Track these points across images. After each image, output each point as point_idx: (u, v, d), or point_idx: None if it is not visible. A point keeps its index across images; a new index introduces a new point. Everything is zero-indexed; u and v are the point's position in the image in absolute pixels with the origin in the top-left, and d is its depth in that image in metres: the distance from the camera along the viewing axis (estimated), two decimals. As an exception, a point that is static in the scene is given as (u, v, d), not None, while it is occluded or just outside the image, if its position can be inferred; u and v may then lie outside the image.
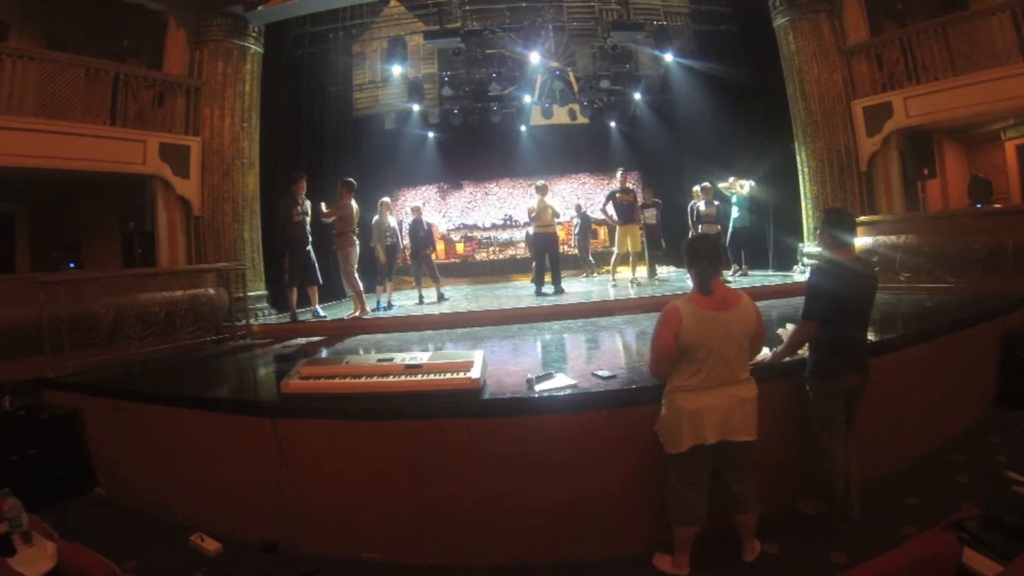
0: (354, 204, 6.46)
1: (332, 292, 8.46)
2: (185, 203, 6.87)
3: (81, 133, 6.00)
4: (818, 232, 3.04)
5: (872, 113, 7.03)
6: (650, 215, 8.64)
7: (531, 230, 8.28)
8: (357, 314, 6.46)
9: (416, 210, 7.95)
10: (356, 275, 6.51)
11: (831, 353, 2.84)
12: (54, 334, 4.52)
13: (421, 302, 7.78)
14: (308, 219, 6.45)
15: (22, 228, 7.59)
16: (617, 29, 8.39)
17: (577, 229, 11.12)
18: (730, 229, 8.20)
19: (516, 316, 6.20)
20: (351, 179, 6.60)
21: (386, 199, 7.62)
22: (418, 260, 7.92)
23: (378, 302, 7.32)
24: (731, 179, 8.19)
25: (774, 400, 2.92)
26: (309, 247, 6.44)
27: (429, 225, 8.20)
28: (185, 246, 6.92)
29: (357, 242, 6.54)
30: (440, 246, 12.10)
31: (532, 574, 2.84)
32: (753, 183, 8.12)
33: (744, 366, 2.57)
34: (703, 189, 8.07)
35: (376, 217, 7.40)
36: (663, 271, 9.05)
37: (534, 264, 8.22)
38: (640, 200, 8.67)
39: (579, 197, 12.06)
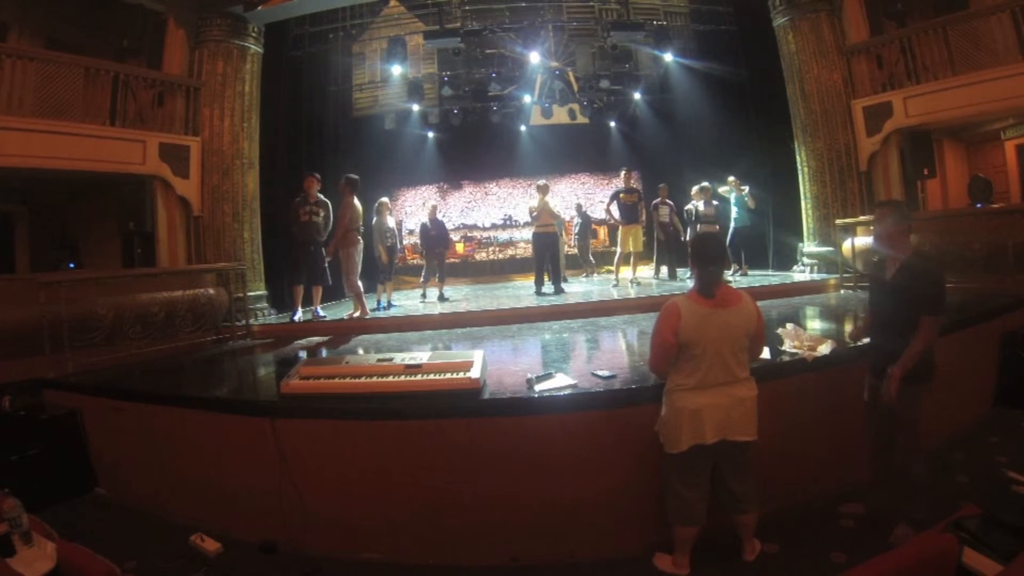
0: (357, 203, 6.37)
1: (332, 292, 8.44)
2: (185, 203, 6.87)
3: (81, 133, 5.99)
4: (887, 229, 2.74)
5: (872, 113, 7.03)
6: (664, 213, 8.61)
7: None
8: (357, 315, 6.45)
9: (433, 208, 8.01)
10: (358, 276, 6.47)
11: (931, 352, 2.68)
12: (54, 334, 4.51)
13: (424, 299, 7.83)
14: (320, 219, 6.35)
15: (22, 228, 7.60)
16: (617, 29, 8.39)
17: (577, 229, 11.13)
18: (730, 229, 8.20)
19: (516, 316, 6.20)
20: (354, 176, 6.47)
21: (385, 199, 7.63)
22: (432, 257, 7.93)
23: (378, 302, 7.33)
24: (731, 179, 8.19)
25: (775, 400, 2.91)
26: (314, 248, 6.33)
27: (442, 223, 8.24)
28: (185, 246, 6.91)
29: (361, 241, 6.44)
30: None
31: (532, 574, 2.84)
32: (747, 188, 8.11)
33: (743, 366, 2.57)
34: (702, 190, 8.07)
35: (375, 218, 7.40)
36: (663, 271, 9.02)
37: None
38: (658, 197, 8.70)
39: (579, 197, 12.08)
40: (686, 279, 8.06)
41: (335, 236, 6.27)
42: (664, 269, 8.85)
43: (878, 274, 2.89)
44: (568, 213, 11.44)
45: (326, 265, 6.45)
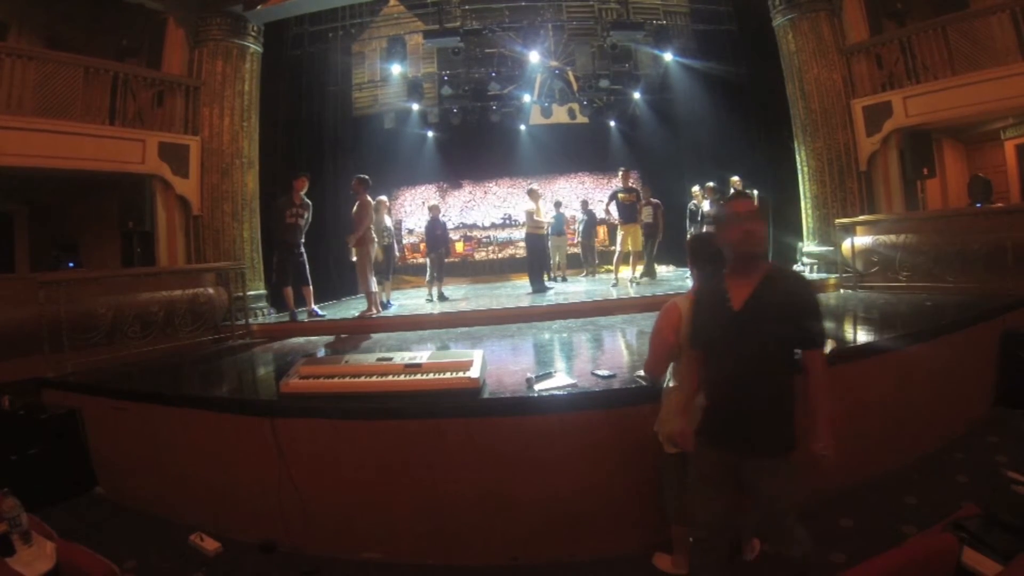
0: (370, 200, 6.40)
1: (331, 292, 8.46)
2: (184, 202, 6.86)
3: (80, 133, 5.98)
4: (762, 228, 1.99)
5: (872, 112, 7.02)
6: (647, 214, 8.60)
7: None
8: (372, 313, 6.44)
9: (434, 208, 8.07)
10: (371, 274, 6.43)
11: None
12: (54, 334, 4.51)
13: (431, 300, 7.93)
14: (304, 221, 6.35)
15: (22, 228, 7.58)
16: (616, 28, 8.39)
17: (582, 227, 11.06)
18: None
19: (515, 315, 6.20)
20: (365, 176, 6.49)
21: (383, 198, 7.62)
22: (434, 256, 7.98)
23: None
24: (735, 178, 8.17)
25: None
26: (298, 250, 6.32)
27: (444, 224, 8.28)
28: (184, 246, 6.90)
29: (376, 239, 6.52)
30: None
31: (531, 574, 2.84)
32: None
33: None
34: (707, 190, 8.01)
35: (373, 216, 7.40)
36: (663, 271, 9.03)
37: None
38: (641, 200, 8.68)
39: (578, 197, 12.06)
40: (668, 278, 8.07)
41: (358, 236, 6.22)
42: (661, 269, 8.84)
43: (717, 300, 2.02)
44: (570, 211, 11.47)
45: (307, 270, 6.46)
